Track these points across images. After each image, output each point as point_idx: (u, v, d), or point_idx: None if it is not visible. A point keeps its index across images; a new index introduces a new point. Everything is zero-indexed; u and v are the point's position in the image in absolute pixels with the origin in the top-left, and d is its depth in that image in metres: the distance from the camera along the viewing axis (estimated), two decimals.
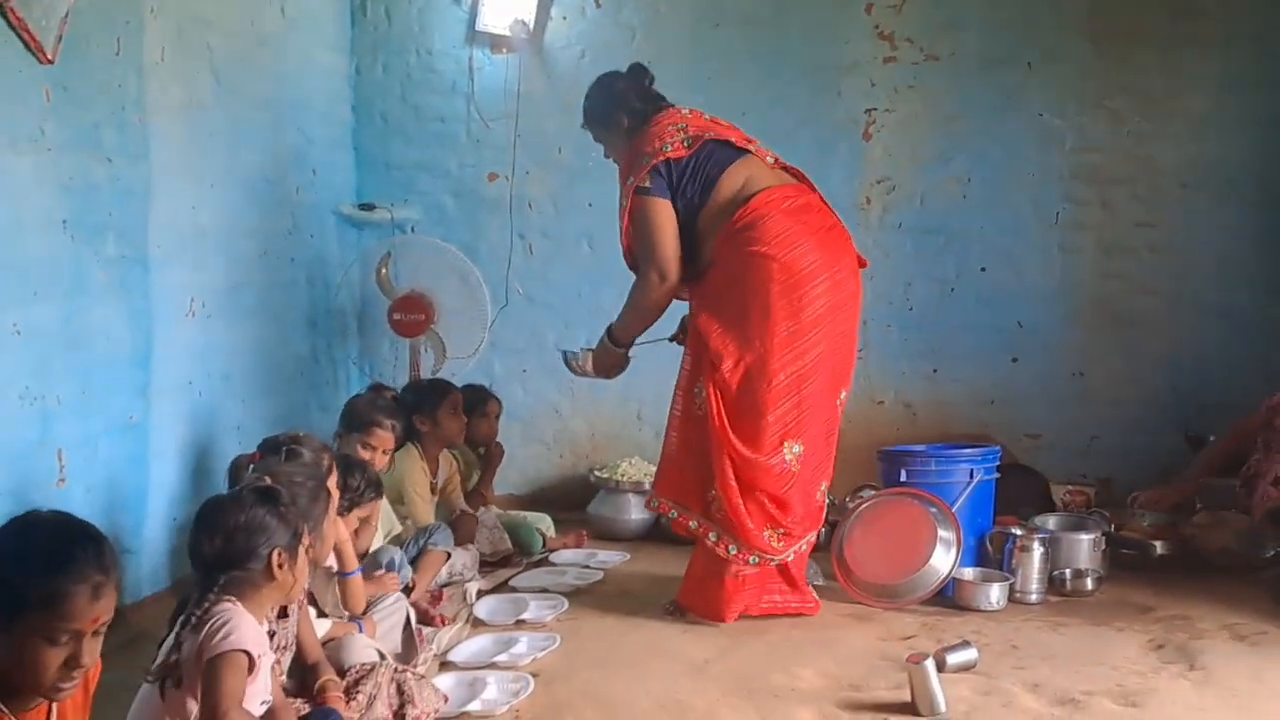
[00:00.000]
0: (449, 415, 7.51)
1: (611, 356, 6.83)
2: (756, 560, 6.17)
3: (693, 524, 6.28)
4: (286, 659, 4.45)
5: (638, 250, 6.49)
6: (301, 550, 4.08)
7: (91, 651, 3.00)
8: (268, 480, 4.30)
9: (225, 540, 3.87)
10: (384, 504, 6.37)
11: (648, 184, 6.34)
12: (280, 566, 3.94)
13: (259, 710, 3.89)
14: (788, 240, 6.14)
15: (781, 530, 6.16)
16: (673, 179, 6.35)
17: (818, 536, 6.50)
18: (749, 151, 6.51)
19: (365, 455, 6.34)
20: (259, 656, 3.77)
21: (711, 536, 6.21)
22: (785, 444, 6.12)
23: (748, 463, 6.07)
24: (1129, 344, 8.69)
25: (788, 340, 6.06)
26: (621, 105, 6.71)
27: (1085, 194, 8.68)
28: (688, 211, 6.36)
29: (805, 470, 6.20)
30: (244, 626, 3.71)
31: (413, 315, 8.34)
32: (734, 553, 6.17)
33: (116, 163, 6.08)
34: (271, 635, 4.27)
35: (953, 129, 8.78)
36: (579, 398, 9.31)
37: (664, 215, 6.35)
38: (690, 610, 6.37)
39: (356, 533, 5.62)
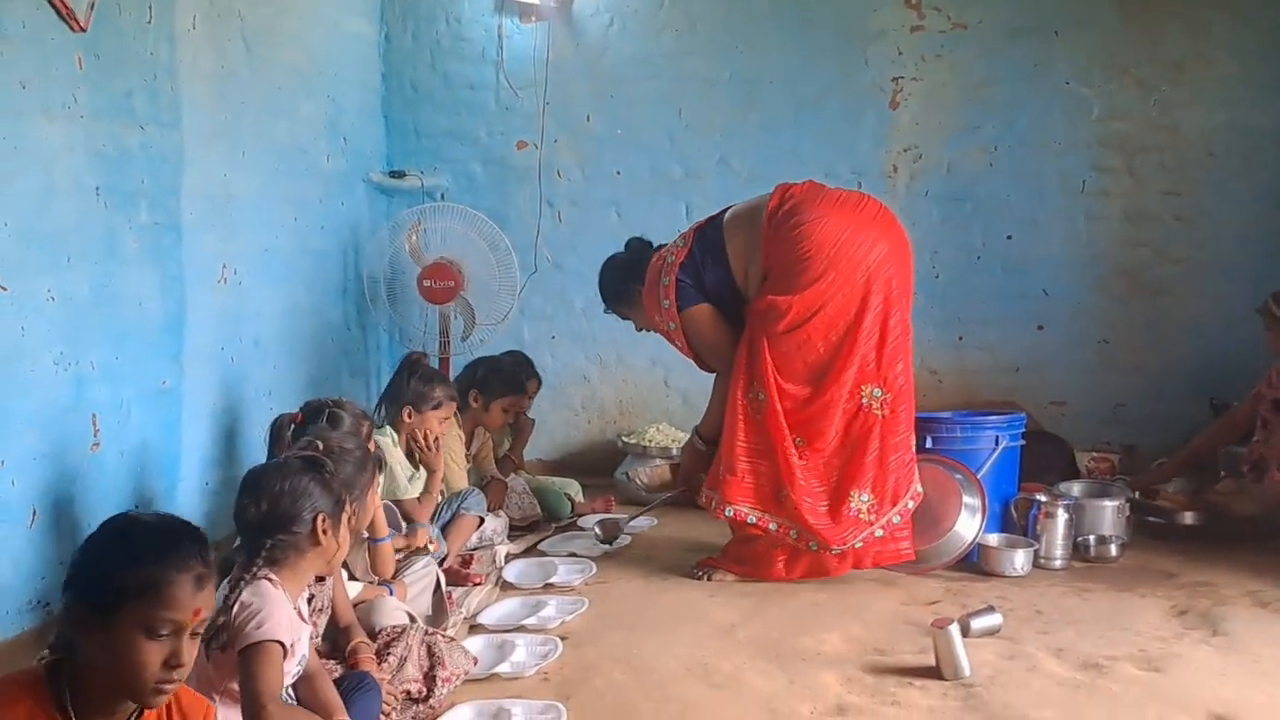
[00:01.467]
0: (502, 410, 7.70)
1: (701, 457, 6.94)
2: (838, 551, 6.26)
3: (773, 526, 6.34)
4: (322, 621, 4.51)
5: (705, 358, 6.78)
6: (344, 517, 4.12)
7: (190, 651, 2.95)
8: (319, 444, 4.37)
9: (270, 505, 3.91)
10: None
11: (679, 299, 6.57)
12: (324, 532, 3.98)
13: (295, 672, 3.95)
14: (826, 206, 6.30)
15: (866, 496, 6.25)
16: (693, 273, 6.56)
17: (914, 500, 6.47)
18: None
19: (440, 429, 6.52)
20: (293, 643, 3.80)
21: (792, 534, 6.30)
22: (864, 388, 6.25)
23: (817, 416, 6.23)
24: (1154, 312, 8.69)
25: (866, 286, 6.16)
26: (634, 277, 6.93)
27: (1112, 162, 8.66)
28: (719, 272, 6.55)
29: (892, 418, 6.29)
30: (277, 614, 3.73)
31: (443, 282, 8.37)
32: (814, 548, 6.28)
33: (149, 130, 6.12)
34: (310, 599, 4.32)
35: (980, 97, 8.77)
36: (607, 364, 9.38)
37: (706, 319, 6.62)
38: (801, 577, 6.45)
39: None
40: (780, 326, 6.20)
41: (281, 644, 3.67)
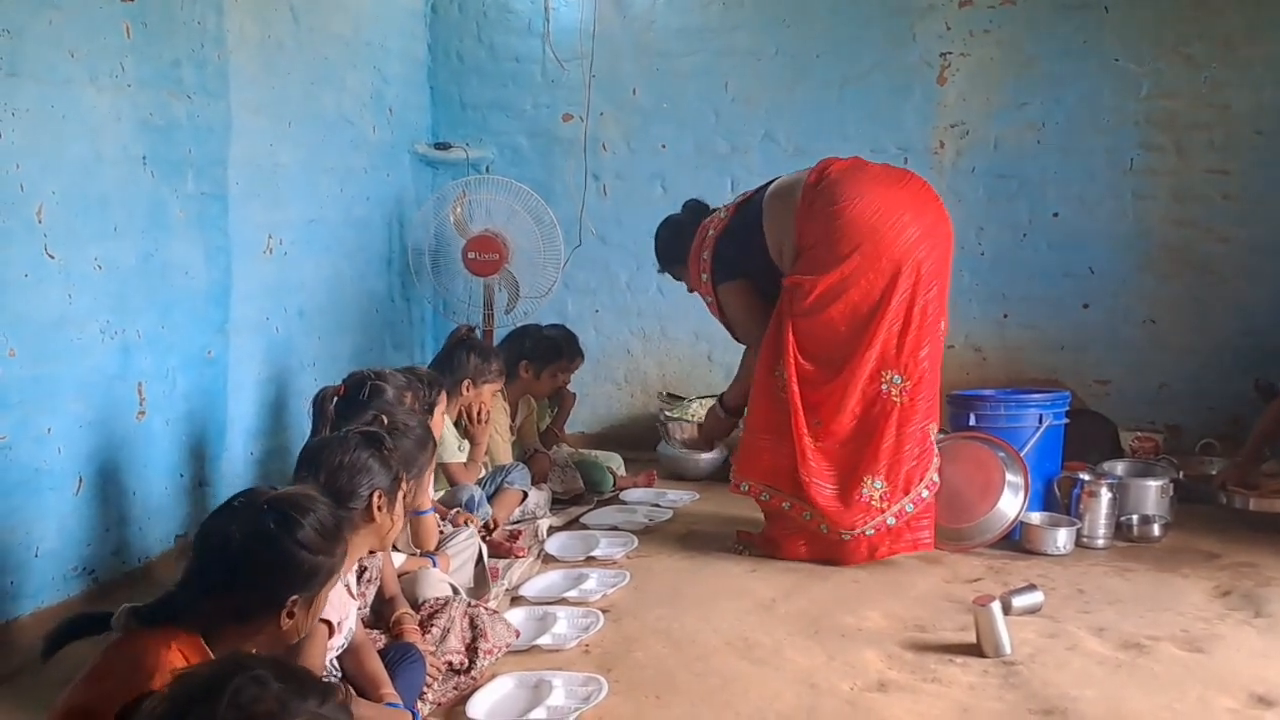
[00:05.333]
0: (551, 377, 7.81)
1: (721, 424, 7.08)
2: (849, 536, 6.24)
3: (786, 505, 6.36)
4: (371, 592, 4.54)
5: (737, 332, 6.80)
6: (400, 495, 4.14)
7: None
8: (384, 419, 4.39)
9: (329, 478, 3.91)
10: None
11: (715, 273, 6.62)
12: (379, 509, 4.00)
13: (340, 645, 3.96)
14: (864, 184, 6.24)
15: (880, 483, 6.22)
16: (730, 246, 6.56)
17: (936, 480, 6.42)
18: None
19: (490, 403, 6.69)
20: (340, 620, 3.82)
21: (806, 515, 6.30)
22: (884, 373, 6.21)
23: (834, 397, 6.21)
24: (1200, 291, 8.62)
25: (893, 273, 6.11)
26: (688, 238, 6.88)
27: (1160, 140, 8.59)
28: (755, 247, 6.50)
29: (910, 405, 6.24)
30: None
31: (487, 254, 8.38)
32: (825, 531, 6.28)
33: (196, 100, 6.15)
34: (362, 572, 4.35)
35: (1028, 74, 8.71)
36: (650, 339, 9.38)
37: (739, 294, 6.66)
38: (817, 559, 6.42)
39: None
40: (803, 306, 6.20)
41: (329, 622, 3.69)
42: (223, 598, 3.02)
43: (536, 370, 7.67)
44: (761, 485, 6.40)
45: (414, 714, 4.02)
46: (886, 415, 6.21)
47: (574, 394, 8.43)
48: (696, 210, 7.02)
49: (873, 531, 6.23)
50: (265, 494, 3.21)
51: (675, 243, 7.02)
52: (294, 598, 3.04)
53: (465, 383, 6.54)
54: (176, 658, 2.86)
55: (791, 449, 6.27)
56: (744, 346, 6.93)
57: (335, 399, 5.07)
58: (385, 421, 4.41)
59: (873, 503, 6.21)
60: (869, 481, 6.21)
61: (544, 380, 7.75)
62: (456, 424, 6.55)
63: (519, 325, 8.14)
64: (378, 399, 5.08)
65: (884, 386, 6.19)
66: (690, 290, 7.10)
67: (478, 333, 7.48)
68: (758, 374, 6.46)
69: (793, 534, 6.41)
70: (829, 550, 6.33)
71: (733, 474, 6.59)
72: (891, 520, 6.24)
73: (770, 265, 6.46)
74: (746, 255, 6.50)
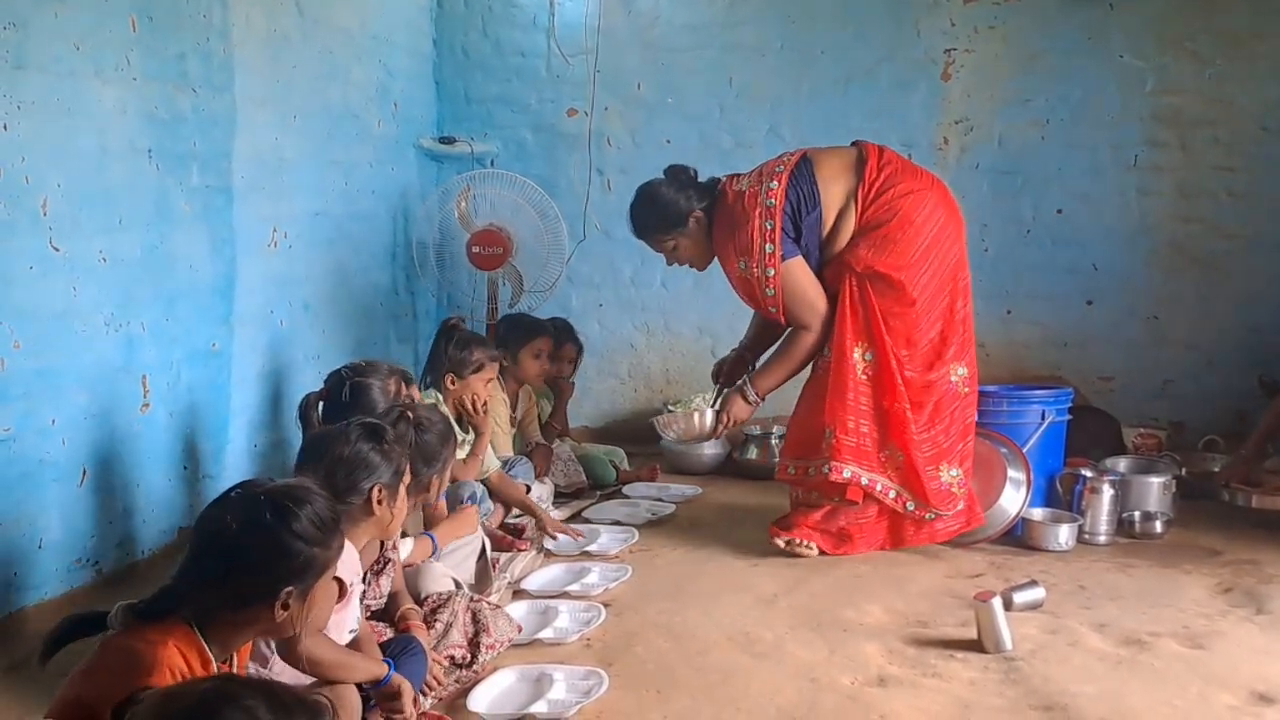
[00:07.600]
0: (530, 358, 7.70)
1: (748, 410, 6.80)
2: (933, 516, 6.32)
3: (879, 487, 6.31)
4: (385, 584, 4.55)
5: (797, 311, 6.48)
6: (402, 488, 4.14)
7: None
8: (410, 414, 4.41)
9: (328, 473, 3.91)
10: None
11: (783, 250, 6.37)
12: (379, 503, 4.00)
13: (347, 638, 3.97)
14: (925, 181, 6.44)
15: (956, 471, 6.35)
16: (792, 221, 6.39)
17: None
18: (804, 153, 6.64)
19: (485, 392, 6.54)
20: (350, 584, 3.82)
21: (891, 495, 6.33)
22: (951, 366, 6.36)
23: (920, 389, 6.30)
24: (1205, 288, 8.61)
25: (956, 267, 6.39)
26: (690, 203, 6.65)
27: (1165, 136, 8.58)
28: (813, 222, 6.41)
29: (971, 395, 6.47)
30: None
31: (491, 249, 8.38)
32: (912, 509, 6.32)
33: (201, 93, 6.17)
34: (386, 563, 4.37)
35: (1033, 70, 8.69)
36: (654, 333, 9.38)
37: (805, 272, 6.44)
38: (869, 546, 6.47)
39: None
40: (891, 299, 6.26)
41: (340, 580, 3.66)
42: (218, 587, 3.02)
43: (513, 353, 7.57)
44: (863, 470, 6.31)
45: (390, 664, 3.99)
46: (955, 405, 6.38)
47: (572, 384, 8.45)
48: (682, 177, 6.75)
49: (950, 514, 6.36)
50: (263, 484, 3.21)
51: (659, 209, 6.69)
52: (288, 589, 3.05)
53: (449, 376, 6.49)
54: (174, 654, 2.88)
55: (880, 431, 6.32)
56: (747, 336, 6.92)
57: (320, 404, 5.08)
58: (411, 417, 4.43)
59: (952, 489, 6.33)
60: (945, 469, 6.33)
61: (524, 363, 7.66)
62: (458, 420, 6.54)
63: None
64: (362, 396, 5.09)
65: (953, 378, 6.35)
66: (673, 263, 6.95)
67: (478, 326, 7.46)
68: (837, 357, 6.35)
69: (862, 523, 6.43)
70: (890, 533, 6.46)
71: (818, 466, 6.38)
72: (961, 505, 6.39)
73: (819, 241, 6.44)
74: (805, 229, 6.40)
